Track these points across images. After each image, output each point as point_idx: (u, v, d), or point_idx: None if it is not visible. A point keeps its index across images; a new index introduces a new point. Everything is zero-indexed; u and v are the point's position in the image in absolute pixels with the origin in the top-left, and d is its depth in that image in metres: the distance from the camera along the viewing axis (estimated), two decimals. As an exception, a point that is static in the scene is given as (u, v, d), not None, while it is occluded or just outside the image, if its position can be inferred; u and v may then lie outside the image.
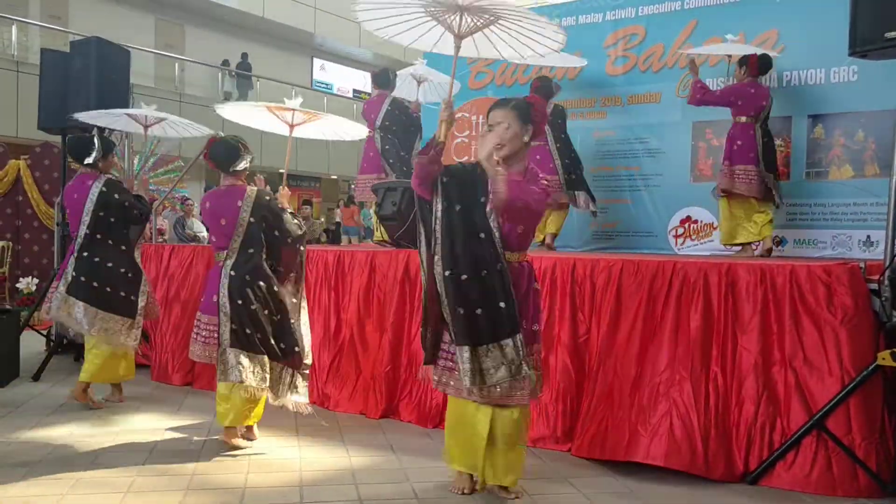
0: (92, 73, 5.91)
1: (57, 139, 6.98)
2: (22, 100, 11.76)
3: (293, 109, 4.36)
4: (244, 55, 18.50)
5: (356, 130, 4.95)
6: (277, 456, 3.96)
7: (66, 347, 6.42)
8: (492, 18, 3.31)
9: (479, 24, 3.33)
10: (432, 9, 3.28)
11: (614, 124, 6.82)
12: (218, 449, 4.03)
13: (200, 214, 12.30)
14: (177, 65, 16.72)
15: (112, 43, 6.23)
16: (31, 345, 6.52)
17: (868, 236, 5.52)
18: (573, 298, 4.26)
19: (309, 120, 4.54)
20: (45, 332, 6.79)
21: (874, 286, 3.62)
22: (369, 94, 6.76)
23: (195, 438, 4.21)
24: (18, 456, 3.82)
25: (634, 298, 4.03)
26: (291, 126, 4.50)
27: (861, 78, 5.57)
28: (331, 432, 4.42)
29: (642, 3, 6.64)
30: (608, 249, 6.59)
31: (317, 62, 21.48)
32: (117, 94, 6.11)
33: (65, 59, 6.26)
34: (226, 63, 18.29)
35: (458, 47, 3.38)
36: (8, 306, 6.77)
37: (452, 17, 3.28)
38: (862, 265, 3.69)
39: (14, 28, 13.57)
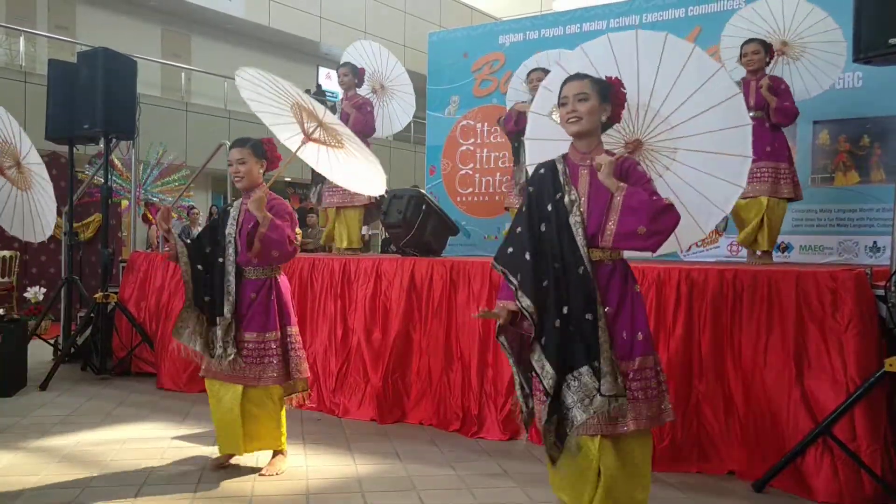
0: (99, 84, 5.95)
1: (64, 149, 7.02)
2: (29, 110, 11.81)
3: (319, 123, 3.91)
4: (319, 86, 18.70)
5: (371, 186, 4.26)
6: (284, 464, 3.95)
7: (73, 357, 6.44)
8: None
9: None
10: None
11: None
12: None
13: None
14: (183, 74, 16.80)
15: (119, 53, 6.26)
16: (39, 354, 6.54)
17: (874, 242, 5.51)
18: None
19: (327, 143, 4.02)
20: (52, 342, 6.82)
21: (880, 292, 3.61)
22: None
23: (202, 447, 4.21)
24: (25, 466, 3.83)
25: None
26: (306, 136, 3.98)
27: (866, 84, 5.57)
28: (337, 440, 4.43)
29: (646, 11, 6.66)
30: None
31: (322, 71, 21.55)
32: (124, 103, 6.14)
33: (72, 70, 6.30)
34: (307, 91, 18.47)
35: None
36: (16, 315, 6.79)
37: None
38: (868, 271, 3.68)
39: (22, 39, 13.66)
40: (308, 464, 3.97)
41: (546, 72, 5.87)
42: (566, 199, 2.70)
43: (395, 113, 6.80)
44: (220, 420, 3.78)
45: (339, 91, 6.60)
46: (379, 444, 4.36)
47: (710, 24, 6.24)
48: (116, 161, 7.90)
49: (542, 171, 2.80)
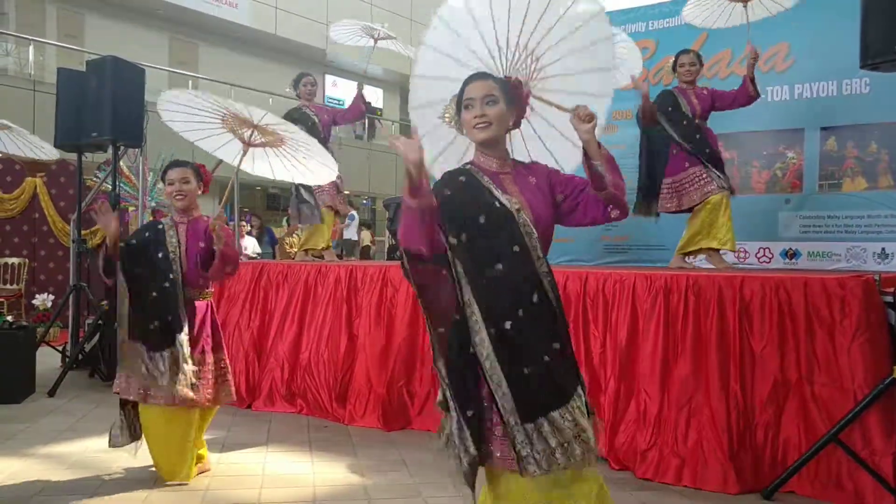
0: (107, 92, 5.98)
1: (73, 157, 7.06)
2: (38, 118, 11.89)
3: (254, 127, 3.64)
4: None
5: (324, 172, 4.10)
6: (291, 471, 3.96)
7: (82, 363, 6.46)
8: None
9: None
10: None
11: (625, 138, 6.80)
12: (232, 465, 4.04)
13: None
14: (190, 82, 16.88)
15: (127, 61, 6.30)
16: (47, 361, 6.56)
17: (883, 248, 5.48)
18: (585, 313, 4.26)
19: (269, 143, 3.80)
20: (60, 349, 6.84)
21: (889, 299, 3.60)
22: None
23: (210, 453, 4.21)
24: (34, 472, 3.84)
25: (650, 313, 4.03)
26: (247, 145, 3.74)
27: (873, 90, 5.56)
28: (343, 447, 4.42)
29: (653, 18, 6.66)
30: (620, 263, 6.57)
31: (329, 78, 21.63)
32: (132, 111, 6.18)
33: (81, 78, 6.34)
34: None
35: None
36: (24, 323, 6.82)
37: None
38: (876, 277, 3.67)
39: (31, 48, 13.76)
40: (315, 471, 3.97)
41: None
42: (508, 205, 2.28)
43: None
44: (173, 445, 3.68)
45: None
46: (385, 451, 4.36)
47: (717, 31, 6.23)
48: (125, 168, 7.96)
49: (462, 178, 2.35)
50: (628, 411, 4.04)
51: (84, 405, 5.40)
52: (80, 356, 6.42)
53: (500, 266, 2.24)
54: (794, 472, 3.51)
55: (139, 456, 3.95)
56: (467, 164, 2.43)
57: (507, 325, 2.21)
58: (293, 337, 5.49)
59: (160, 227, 3.77)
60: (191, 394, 3.59)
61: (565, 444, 2.18)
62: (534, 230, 2.28)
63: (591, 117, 2.30)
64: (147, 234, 3.79)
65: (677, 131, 5.15)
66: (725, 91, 5.28)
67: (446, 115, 2.48)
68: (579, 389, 2.28)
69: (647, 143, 5.45)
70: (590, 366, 4.19)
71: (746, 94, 5.14)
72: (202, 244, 3.68)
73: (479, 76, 2.40)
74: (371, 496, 3.57)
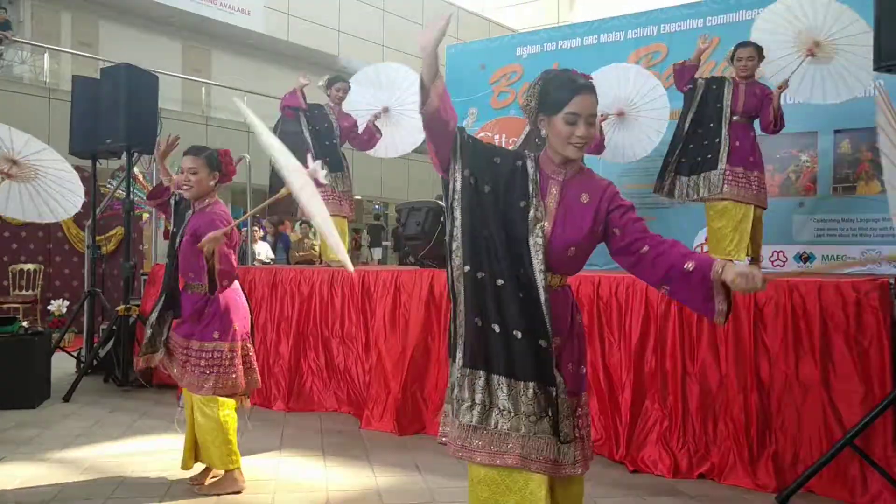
0: (121, 99, 6.03)
1: (87, 164, 7.11)
2: (53, 126, 11.98)
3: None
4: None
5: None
6: (304, 476, 3.97)
7: (96, 369, 6.50)
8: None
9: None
10: None
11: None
12: (245, 470, 4.05)
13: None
14: (203, 89, 16.97)
15: (141, 69, 6.34)
16: (62, 366, 6.61)
17: (898, 251, 5.44)
18: (600, 317, 4.25)
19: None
20: (75, 354, 6.89)
21: (905, 302, 3.57)
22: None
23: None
24: (49, 478, 3.87)
25: (665, 317, 4.02)
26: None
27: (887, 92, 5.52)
28: (357, 452, 4.43)
29: (664, 21, 6.64)
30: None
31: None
32: (146, 118, 6.22)
33: (95, 85, 6.39)
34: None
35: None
36: (40, 328, 6.87)
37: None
38: (891, 281, 3.65)
39: (46, 56, 13.87)
40: (328, 476, 3.97)
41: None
42: (531, 213, 2.19)
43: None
44: (204, 431, 3.68)
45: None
46: (399, 455, 4.36)
47: (729, 34, 6.22)
48: (139, 174, 8.02)
49: (519, 163, 2.27)
50: (644, 414, 4.03)
51: (99, 410, 5.43)
52: (95, 361, 6.46)
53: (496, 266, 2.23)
54: (808, 477, 3.48)
55: (153, 460, 3.97)
56: (535, 154, 2.30)
57: (496, 280, 2.20)
58: (305, 342, 5.50)
59: (187, 211, 3.80)
60: (142, 364, 3.76)
61: (487, 406, 2.14)
62: (544, 245, 2.18)
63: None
64: (176, 215, 3.88)
65: (695, 112, 5.07)
66: (770, 110, 4.93)
67: (529, 99, 2.32)
68: (546, 392, 2.14)
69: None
70: (606, 369, 4.19)
71: (774, 125, 4.96)
72: (187, 237, 3.56)
73: (590, 90, 2.21)
74: (384, 501, 3.57)
